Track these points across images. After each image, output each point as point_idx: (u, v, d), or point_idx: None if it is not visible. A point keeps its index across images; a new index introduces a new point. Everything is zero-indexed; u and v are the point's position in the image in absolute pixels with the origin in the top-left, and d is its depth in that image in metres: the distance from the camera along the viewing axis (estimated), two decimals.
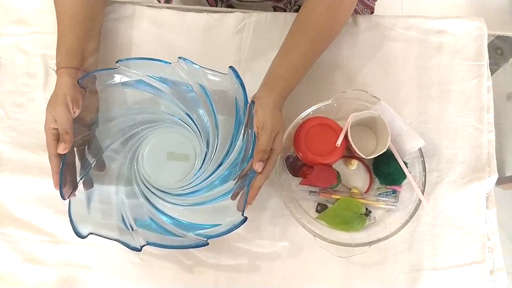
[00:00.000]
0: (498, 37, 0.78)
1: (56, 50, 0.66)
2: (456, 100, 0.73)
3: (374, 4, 0.88)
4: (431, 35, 0.76)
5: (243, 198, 0.60)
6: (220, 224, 0.62)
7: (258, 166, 0.59)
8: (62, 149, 0.60)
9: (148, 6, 0.79)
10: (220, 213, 0.64)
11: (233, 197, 0.63)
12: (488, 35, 0.76)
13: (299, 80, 0.66)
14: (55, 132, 0.61)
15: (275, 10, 0.89)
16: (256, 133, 0.61)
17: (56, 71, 0.64)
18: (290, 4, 0.87)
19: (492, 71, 0.76)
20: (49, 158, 0.61)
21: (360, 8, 0.87)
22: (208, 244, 0.59)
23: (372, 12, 0.88)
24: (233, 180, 0.65)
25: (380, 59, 0.75)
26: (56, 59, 0.65)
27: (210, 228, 0.63)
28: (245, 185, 0.60)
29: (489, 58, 0.75)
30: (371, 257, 0.67)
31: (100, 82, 0.66)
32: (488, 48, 0.76)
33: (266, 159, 0.60)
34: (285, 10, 0.89)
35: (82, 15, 0.67)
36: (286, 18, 0.77)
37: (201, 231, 0.62)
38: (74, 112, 0.62)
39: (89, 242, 0.66)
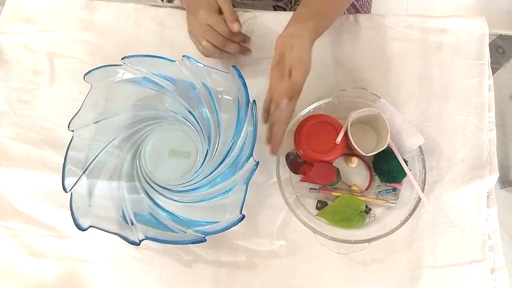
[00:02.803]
0: (500, 36, 0.78)
1: None
2: (457, 98, 0.73)
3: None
4: (432, 34, 0.76)
5: (276, 140, 0.61)
6: (218, 221, 0.62)
7: (285, 105, 0.55)
8: (237, 27, 0.62)
9: (151, 5, 0.81)
10: (219, 210, 0.65)
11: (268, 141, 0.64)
12: (490, 34, 0.76)
13: (331, 23, 0.65)
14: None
15: (275, 10, 0.90)
16: (285, 69, 0.57)
17: None
18: (291, 3, 0.87)
19: (494, 70, 0.76)
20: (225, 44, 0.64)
21: (359, 3, 0.87)
22: (205, 240, 0.59)
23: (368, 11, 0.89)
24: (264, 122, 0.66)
25: (381, 57, 0.76)
26: None
27: (209, 225, 0.63)
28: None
29: (491, 57, 0.75)
30: (371, 255, 0.67)
31: (105, 77, 0.68)
32: (489, 47, 0.76)
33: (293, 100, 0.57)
34: (285, 10, 0.90)
35: None
36: (287, 17, 0.78)
37: (199, 228, 0.63)
38: None
39: (91, 236, 0.67)
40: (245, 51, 0.71)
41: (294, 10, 0.88)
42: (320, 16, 0.63)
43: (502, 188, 1.33)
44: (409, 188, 0.68)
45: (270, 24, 0.78)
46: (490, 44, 0.76)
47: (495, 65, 0.76)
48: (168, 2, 0.92)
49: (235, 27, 0.63)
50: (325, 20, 0.64)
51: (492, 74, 0.75)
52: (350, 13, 0.92)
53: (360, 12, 0.91)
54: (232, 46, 0.67)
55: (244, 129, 0.64)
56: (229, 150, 0.66)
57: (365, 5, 0.92)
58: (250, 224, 0.68)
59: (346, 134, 0.65)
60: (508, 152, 1.32)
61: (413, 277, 0.66)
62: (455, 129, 0.72)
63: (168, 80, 0.70)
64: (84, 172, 0.64)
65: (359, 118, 0.68)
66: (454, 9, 0.76)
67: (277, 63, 0.61)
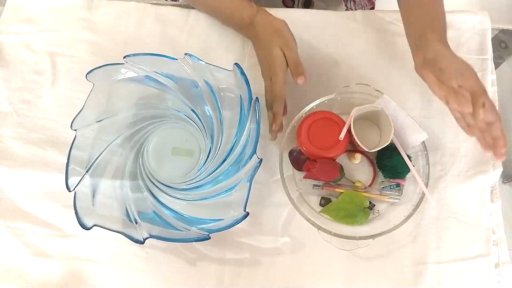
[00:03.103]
0: (502, 30, 0.78)
1: (231, 7, 0.71)
2: None
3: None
4: None
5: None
6: (222, 219, 0.62)
7: (482, 113, 0.53)
8: (302, 81, 0.62)
9: (153, 3, 0.81)
10: (223, 208, 0.65)
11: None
12: (492, 29, 0.76)
13: (445, 20, 0.64)
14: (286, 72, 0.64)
15: (284, 3, 0.89)
16: (460, 86, 0.55)
17: (258, 12, 0.68)
18: None
19: (496, 65, 0.76)
20: (277, 101, 0.64)
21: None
22: (209, 238, 0.59)
23: (373, 8, 0.89)
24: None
25: (383, 53, 0.76)
26: (240, 13, 0.70)
27: (212, 222, 0.63)
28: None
29: (493, 51, 0.75)
30: (375, 251, 0.67)
31: (107, 76, 0.68)
32: (492, 42, 0.76)
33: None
34: (293, 3, 0.90)
35: None
36: (296, 13, 0.78)
37: (203, 226, 0.63)
38: None
39: (95, 236, 0.67)
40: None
41: (301, 4, 0.88)
42: (442, 23, 0.64)
43: (505, 183, 1.33)
44: (412, 183, 0.68)
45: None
46: (492, 39, 0.76)
47: (498, 60, 0.76)
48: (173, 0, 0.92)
49: (299, 81, 0.63)
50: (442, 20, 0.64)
51: (495, 69, 0.75)
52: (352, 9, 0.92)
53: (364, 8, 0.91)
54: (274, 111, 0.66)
55: (247, 126, 0.64)
56: (232, 147, 0.66)
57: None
58: (254, 221, 0.68)
59: (349, 130, 0.65)
60: (511, 146, 1.31)
61: (418, 273, 0.66)
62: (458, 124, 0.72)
63: (170, 79, 0.69)
64: (87, 171, 0.64)
65: (362, 114, 0.68)
66: (456, 4, 0.75)
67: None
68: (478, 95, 0.54)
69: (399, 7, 0.70)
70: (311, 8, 0.92)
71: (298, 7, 0.92)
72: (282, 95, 0.64)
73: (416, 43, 0.62)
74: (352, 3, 0.90)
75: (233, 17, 0.72)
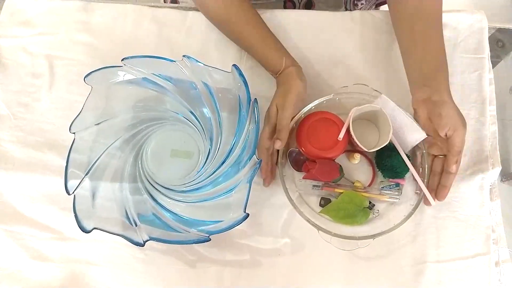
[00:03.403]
0: (499, 29, 0.78)
1: (262, 56, 0.70)
2: (458, 93, 0.73)
3: None
4: None
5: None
6: (222, 220, 0.62)
7: (455, 168, 0.62)
8: (278, 145, 0.62)
9: (150, 6, 0.81)
10: (223, 209, 0.65)
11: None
12: (489, 28, 0.76)
13: (447, 64, 0.66)
14: (274, 127, 0.65)
15: (285, 5, 0.90)
16: (445, 135, 0.62)
17: (283, 71, 0.67)
18: None
19: (494, 64, 0.76)
20: (258, 149, 0.65)
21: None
22: (210, 240, 0.59)
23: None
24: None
25: (380, 53, 0.76)
26: (269, 64, 0.69)
27: (212, 224, 0.63)
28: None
29: (490, 50, 0.75)
30: (375, 251, 0.67)
31: (105, 79, 0.67)
32: (489, 40, 0.76)
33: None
34: (294, 4, 0.90)
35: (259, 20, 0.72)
36: (297, 15, 0.78)
37: (203, 227, 0.63)
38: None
39: (94, 238, 0.67)
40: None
41: (303, 4, 0.88)
42: (442, 65, 0.66)
43: (504, 181, 1.33)
44: (412, 183, 0.68)
45: (281, 21, 0.78)
46: (489, 38, 0.76)
47: (495, 59, 0.76)
48: (172, 2, 0.92)
49: (275, 145, 0.63)
50: (446, 65, 0.66)
51: (492, 68, 0.75)
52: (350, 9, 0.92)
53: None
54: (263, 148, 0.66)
55: (245, 127, 0.64)
56: (231, 149, 0.66)
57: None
58: (254, 222, 0.68)
59: (348, 130, 0.65)
60: (509, 145, 1.32)
61: (418, 272, 0.66)
62: None
63: (168, 81, 0.69)
64: (86, 174, 0.64)
65: (361, 115, 0.68)
66: (453, 3, 0.76)
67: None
68: (456, 152, 0.62)
69: (400, 38, 0.71)
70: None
71: (299, 9, 0.92)
72: (262, 145, 0.65)
73: (424, 81, 0.64)
74: (351, 5, 0.90)
75: (263, 65, 0.72)
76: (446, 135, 0.62)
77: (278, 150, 0.66)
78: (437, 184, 0.65)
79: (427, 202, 0.65)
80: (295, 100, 0.65)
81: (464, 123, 0.62)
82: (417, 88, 0.65)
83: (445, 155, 0.64)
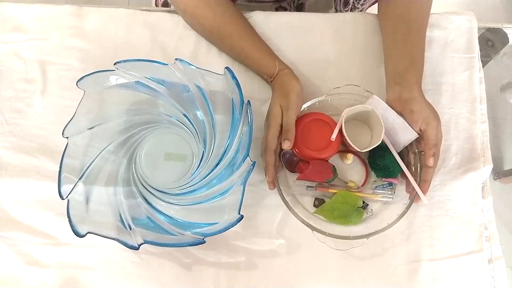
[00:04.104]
0: (489, 29, 0.79)
1: (255, 61, 0.72)
2: (448, 92, 0.74)
3: None
4: None
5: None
6: (217, 223, 0.62)
7: (432, 161, 0.63)
8: (287, 146, 0.63)
9: (142, 10, 0.81)
10: (217, 211, 0.65)
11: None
12: (479, 28, 0.77)
13: (423, 63, 0.68)
14: (280, 128, 0.65)
15: (277, 10, 0.90)
16: (420, 130, 0.64)
17: (278, 73, 0.69)
18: (293, 3, 0.88)
19: (484, 63, 0.77)
20: (266, 151, 0.64)
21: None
22: (204, 242, 0.59)
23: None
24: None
25: (372, 54, 0.76)
26: (264, 68, 0.71)
27: (207, 226, 0.63)
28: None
29: (480, 50, 0.76)
30: (369, 250, 0.67)
31: (98, 83, 0.67)
32: (479, 40, 0.77)
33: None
34: (285, 9, 0.90)
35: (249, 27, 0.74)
36: (289, 18, 0.78)
37: (198, 230, 0.63)
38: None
39: (89, 243, 0.67)
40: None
41: (294, 8, 0.89)
42: (418, 64, 0.67)
43: (496, 179, 1.35)
44: (404, 182, 0.69)
45: (270, 24, 0.78)
46: (479, 38, 0.77)
47: (485, 58, 0.77)
48: (164, 6, 0.92)
49: (284, 145, 0.64)
50: (421, 63, 0.68)
51: (482, 67, 0.76)
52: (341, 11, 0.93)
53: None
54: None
55: (239, 129, 0.64)
56: (225, 151, 0.66)
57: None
58: (249, 224, 0.69)
59: (340, 131, 0.66)
60: (501, 143, 1.33)
61: (412, 270, 0.67)
62: (448, 122, 0.73)
63: (161, 84, 0.69)
64: (80, 179, 0.64)
65: (353, 115, 0.68)
66: (442, 4, 0.77)
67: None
68: (432, 145, 0.63)
69: (384, 38, 0.73)
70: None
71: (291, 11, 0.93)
72: (270, 147, 0.65)
73: (395, 79, 0.67)
74: (341, 5, 0.91)
75: (256, 71, 0.73)
76: (421, 130, 0.64)
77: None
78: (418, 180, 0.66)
79: (418, 200, 0.65)
80: (297, 100, 0.66)
81: (436, 116, 0.64)
82: (389, 87, 0.67)
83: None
